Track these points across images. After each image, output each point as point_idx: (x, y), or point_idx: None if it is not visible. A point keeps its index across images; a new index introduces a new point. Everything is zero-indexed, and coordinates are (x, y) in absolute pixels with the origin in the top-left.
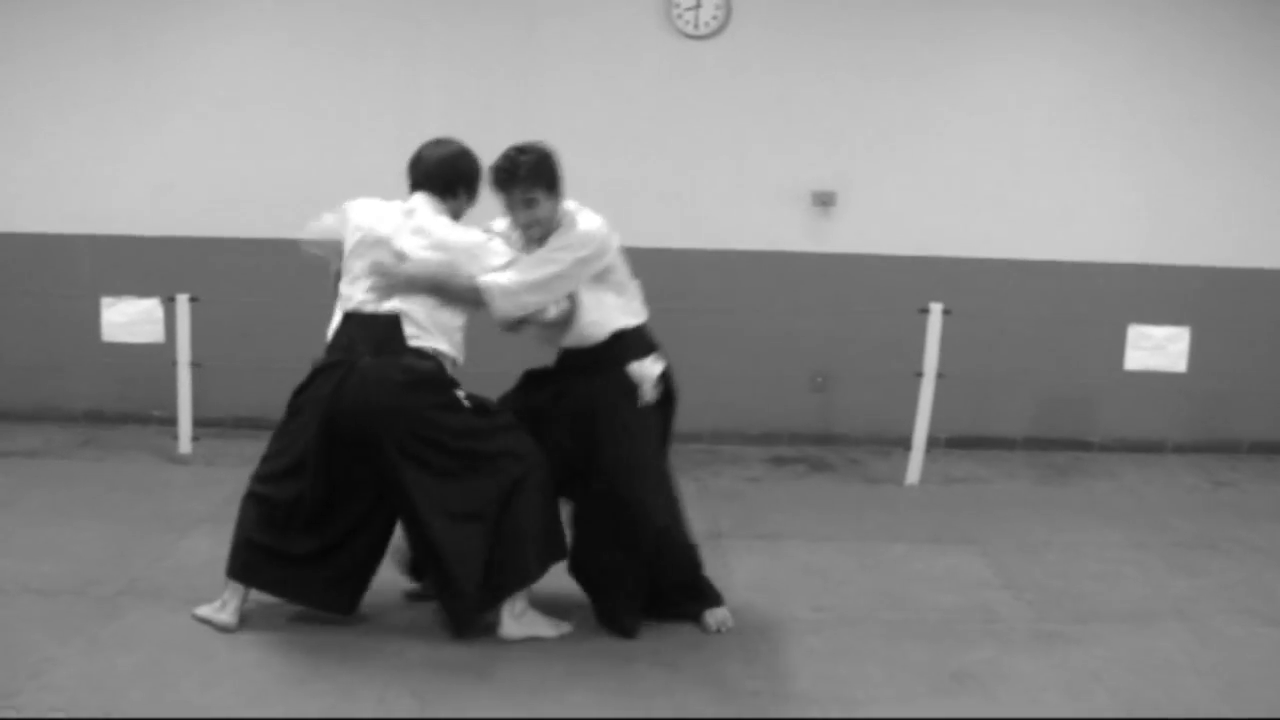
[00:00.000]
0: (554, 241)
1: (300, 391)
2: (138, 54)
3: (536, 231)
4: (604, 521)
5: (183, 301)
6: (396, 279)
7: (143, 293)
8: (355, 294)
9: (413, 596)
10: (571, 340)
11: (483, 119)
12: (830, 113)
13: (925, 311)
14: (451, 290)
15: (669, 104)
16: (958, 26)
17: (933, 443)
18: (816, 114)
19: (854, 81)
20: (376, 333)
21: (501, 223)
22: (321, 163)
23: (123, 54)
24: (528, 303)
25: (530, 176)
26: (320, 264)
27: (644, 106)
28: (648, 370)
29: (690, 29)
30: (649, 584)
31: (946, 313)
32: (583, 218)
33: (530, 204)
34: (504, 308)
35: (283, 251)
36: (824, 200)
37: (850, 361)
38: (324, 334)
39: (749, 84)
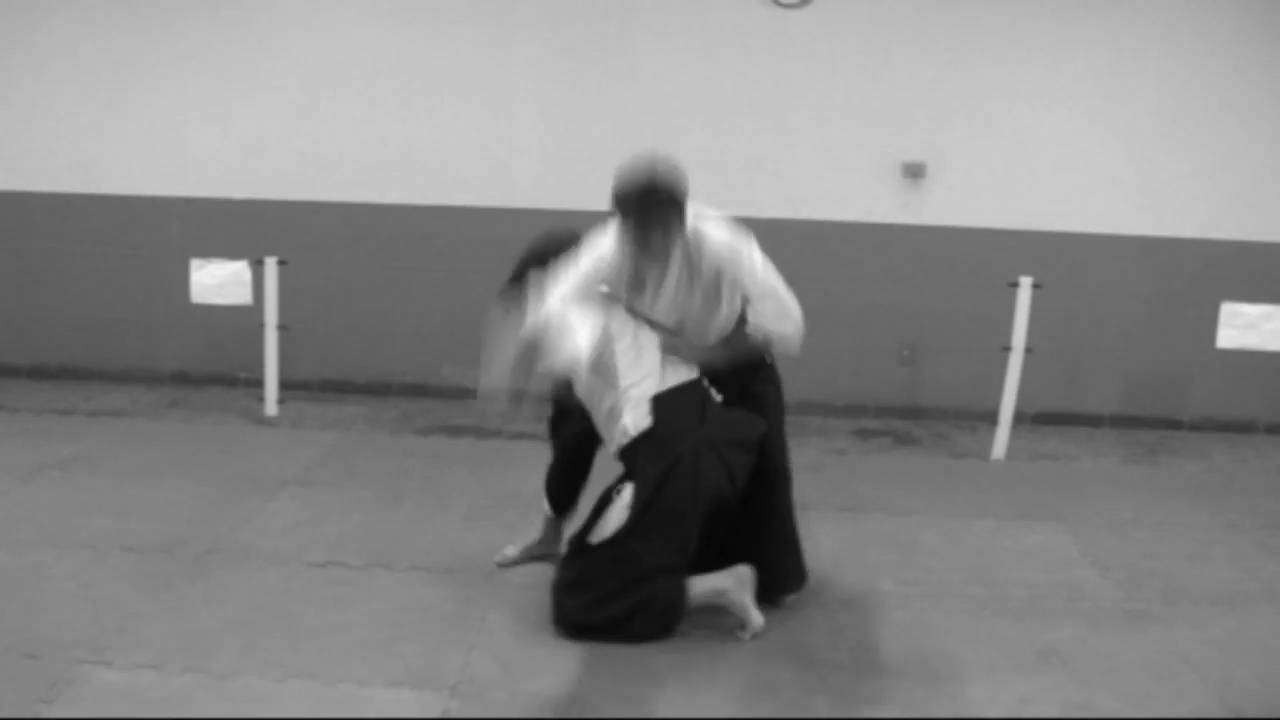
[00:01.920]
0: (738, 265)
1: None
2: (230, 17)
3: (663, 252)
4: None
5: (271, 264)
6: (700, 356)
7: (231, 255)
8: (650, 376)
9: (504, 565)
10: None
11: (574, 89)
12: (921, 83)
13: (1015, 285)
14: (741, 349)
15: (759, 73)
16: None
17: (1019, 418)
18: (907, 84)
19: (945, 51)
20: (694, 398)
21: (591, 261)
22: (409, 129)
23: (214, 17)
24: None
25: (670, 200)
26: (406, 235)
27: (735, 76)
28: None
29: None
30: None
31: (1036, 286)
32: (709, 227)
33: (666, 225)
34: (799, 338)
35: (370, 216)
36: (914, 172)
37: (938, 334)
38: (411, 298)
39: (839, 53)
